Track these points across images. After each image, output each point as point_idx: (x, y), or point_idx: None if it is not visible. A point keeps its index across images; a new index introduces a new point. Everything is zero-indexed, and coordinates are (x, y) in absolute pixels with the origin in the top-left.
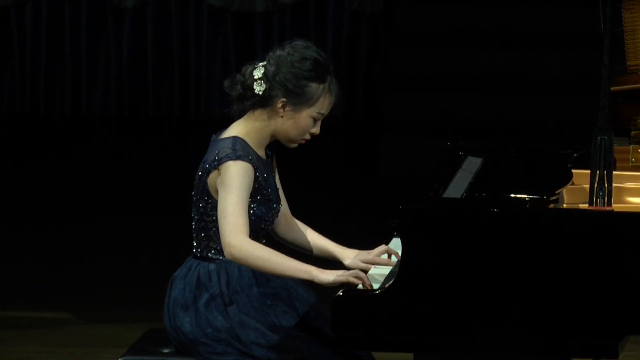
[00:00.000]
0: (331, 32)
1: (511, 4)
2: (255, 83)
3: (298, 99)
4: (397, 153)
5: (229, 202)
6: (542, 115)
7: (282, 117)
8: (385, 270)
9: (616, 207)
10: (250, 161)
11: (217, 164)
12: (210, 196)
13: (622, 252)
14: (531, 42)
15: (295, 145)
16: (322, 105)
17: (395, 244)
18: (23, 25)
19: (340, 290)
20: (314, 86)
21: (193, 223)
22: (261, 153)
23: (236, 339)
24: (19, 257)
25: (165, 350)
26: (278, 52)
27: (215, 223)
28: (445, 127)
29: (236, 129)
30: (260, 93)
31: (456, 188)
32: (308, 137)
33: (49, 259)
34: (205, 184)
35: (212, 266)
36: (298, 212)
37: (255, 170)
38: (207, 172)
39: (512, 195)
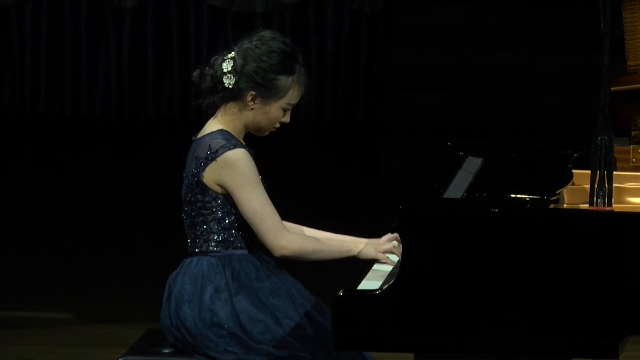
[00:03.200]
0: (331, 32)
1: (511, 4)
2: (224, 76)
3: (267, 92)
4: (397, 153)
5: (256, 202)
6: (542, 115)
7: (252, 109)
8: (388, 267)
9: (616, 207)
10: (245, 147)
11: (214, 156)
12: (207, 190)
13: (622, 252)
14: (531, 42)
15: (266, 134)
16: (292, 96)
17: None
18: (23, 25)
19: (341, 291)
20: (282, 79)
21: (187, 221)
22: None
23: (240, 330)
24: (19, 257)
25: (165, 350)
26: (246, 44)
27: (214, 215)
28: (445, 127)
29: (216, 125)
30: (230, 87)
31: (456, 188)
32: (278, 125)
33: (48, 259)
34: (201, 178)
35: (213, 260)
36: (298, 212)
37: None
38: (204, 167)
39: (513, 196)
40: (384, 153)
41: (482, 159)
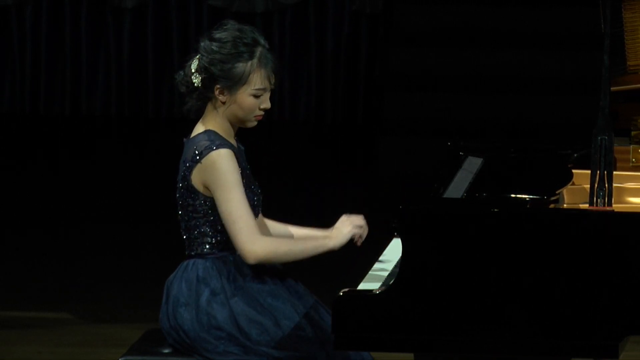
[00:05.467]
0: (331, 32)
1: (511, 4)
2: (192, 76)
3: (229, 82)
4: (397, 153)
5: (232, 204)
6: (542, 115)
7: (224, 103)
8: (388, 267)
9: (616, 207)
10: (230, 147)
11: (199, 158)
12: (196, 193)
13: (622, 252)
14: (531, 42)
15: (252, 124)
16: (256, 81)
17: (395, 244)
18: (23, 25)
19: (341, 291)
20: (240, 66)
21: (182, 224)
22: (234, 143)
23: (239, 332)
24: (19, 257)
25: (165, 350)
26: (205, 40)
27: (207, 218)
28: (445, 127)
29: (202, 126)
30: (199, 85)
31: (456, 188)
32: (260, 112)
33: (48, 259)
34: (190, 181)
35: (208, 262)
36: (298, 212)
37: (237, 157)
38: (190, 169)
39: (513, 196)
40: (384, 153)
41: (482, 159)
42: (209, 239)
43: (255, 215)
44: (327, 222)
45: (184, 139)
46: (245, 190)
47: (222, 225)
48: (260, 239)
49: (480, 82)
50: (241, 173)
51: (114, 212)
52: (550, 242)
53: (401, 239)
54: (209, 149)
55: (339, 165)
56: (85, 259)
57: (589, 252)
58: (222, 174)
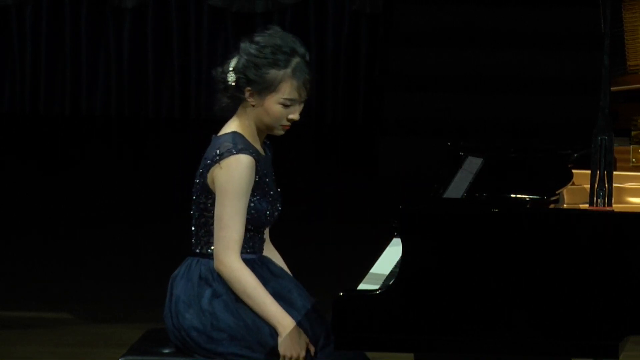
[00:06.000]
0: (331, 32)
1: (511, 4)
2: (228, 75)
3: (259, 86)
4: (397, 153)
5: (227, 211)
6: (542, 115)
7: (253, 106)
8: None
9: (616, 207)
10: (251, 154)
11: (218, 159)
12: (210, 192)
13: (622, 252)
14: (531, 42)
15: (279, 132)
16: (286, 91)
17: (396, 244)
18: (23, 25)
19: (341, 291)
20: (272, 72)
21: (193, 220)
22: (259, 148)
23: (240, 334)
24: (19, 257)
25: (165, 350)
26: (247, 42)
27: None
28: (445, 127)
29: (232, 125)
30: (233, 84)
31: (456, 188)
32: (286, 122)
33: (48, 259)
34: (206, 179)
35: (212, 263)
36: (297, 212)
37: (257, 164)
38: (208, 168)
39: (513, 196)
40: (384, 153)
41: (482, 159)
42: (214, 241)
43: (265, 224)
44: (327, 221)
45: (213, 136)
46: (260, 199)
47: None
48: (234, 259)
49: (480, 82)
50: (259, 180)
51: (113, 212)
52: (550, 242)
53: (401, 239)
54: (230, 153)
55: (339, 165)
56: (85, 259)
57: (589, 252)
58: (231, 179)
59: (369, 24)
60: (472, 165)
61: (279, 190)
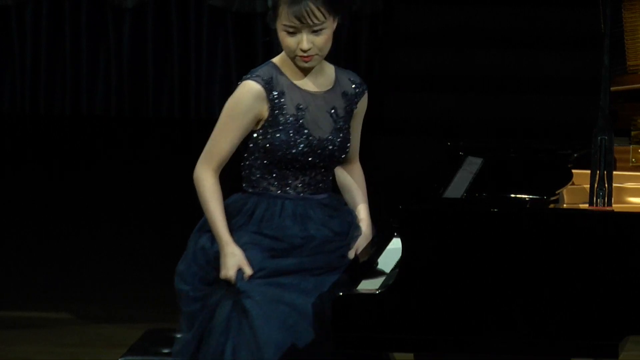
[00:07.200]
0: None
1: (511, 4)
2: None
3: (272, 12)
4: (397, 153)
5: (216, 126)
6: (542, 115)
7: (277, 33)
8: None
9: (616, 207)
10: (261, 82)
11: (239, 83)
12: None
13: (622, 252)
14: (531, 42)
15: (300, 63)
16: (282, 15)
17: (395, 243)
18: (23, 25)
19: (341, 291)
20: None
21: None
22: (299, 81)
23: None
24: (19, 257)
25: (166, 350)
26: None
27: (249, 158)
28: (445, 127)
29: (276, 56)
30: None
31: (456, 188)
32: (301, 53)
33: (49, 259)
34: None
35: (241, 194)
36: None
37: (270, 93)
38: None
39: (512, 196)
40: (383, 153)
41: (482, 159)
42: (253, 177)
43: (293, 161)
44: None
45: None
46: (277, 131)
47: (253, 160)
48: (201, 169)
49: (480, 82)
50: (282, 108)
51: (113, 212)
52: (550, 242)
53: (401, 239)
54: (244, 78)
55: None
56: (85, 259)
57: (589, 252)
58: (231, 99)
59: (369, 24)
60: (472, 165)
61: (339, 127)
